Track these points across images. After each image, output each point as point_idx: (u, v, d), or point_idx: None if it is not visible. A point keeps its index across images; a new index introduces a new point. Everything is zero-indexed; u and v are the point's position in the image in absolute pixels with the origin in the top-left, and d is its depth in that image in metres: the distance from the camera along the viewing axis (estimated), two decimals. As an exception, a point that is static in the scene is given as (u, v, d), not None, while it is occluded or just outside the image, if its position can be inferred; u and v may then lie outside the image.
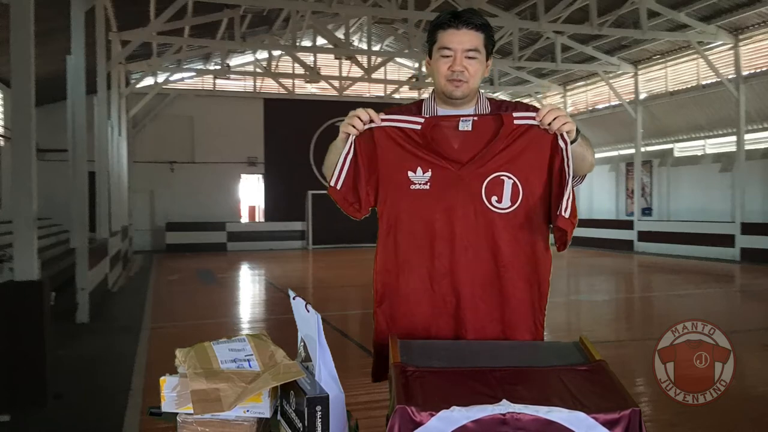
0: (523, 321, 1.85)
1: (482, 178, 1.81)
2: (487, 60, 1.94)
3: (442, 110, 1.96)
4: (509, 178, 1.81)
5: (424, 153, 1.83)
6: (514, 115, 1.82)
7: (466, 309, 1.82)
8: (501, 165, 1.81)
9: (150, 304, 9.71)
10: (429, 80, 2.28)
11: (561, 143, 1.80)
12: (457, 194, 1.82)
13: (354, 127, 1.84)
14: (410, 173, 1.84)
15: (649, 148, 19.15)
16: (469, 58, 1.89)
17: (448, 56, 1.89)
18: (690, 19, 14.88)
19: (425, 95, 2.11)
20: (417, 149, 1.84)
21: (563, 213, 1.77)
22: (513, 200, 1.81)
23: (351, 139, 1.85)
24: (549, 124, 1.79)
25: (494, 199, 1.81)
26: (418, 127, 1.84)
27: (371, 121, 1.85)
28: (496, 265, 1.83)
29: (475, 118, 1.82)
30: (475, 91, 1.95)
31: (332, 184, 1.86)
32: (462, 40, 1.88)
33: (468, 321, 1.82)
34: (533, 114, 1.82)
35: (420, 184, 1.84)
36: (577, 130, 1.84)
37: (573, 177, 1.98)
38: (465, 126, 1.81)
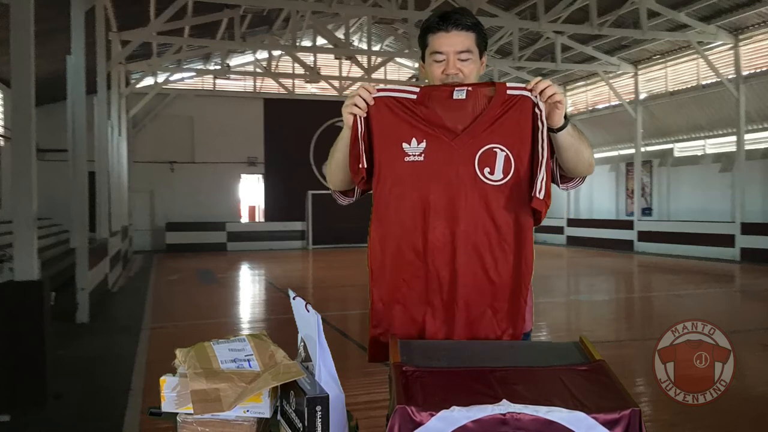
0: (511, 291, 1.83)
1: (476, 149, 1.80)
2: (480, 57, 1.93)
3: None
4: (502, 150, 1.80)
5: (420, 122, 1.82)
6: (508, 84, 1.82)
7: (458, 282, 1.81)
8: (494, 137, 1.80)
9: (150, 304, 9.71)
10: (427, 81, 2.28)
11: (536, 110, 1.79)
12: (451, 165, 1.81)
13: (358, 107, 1.82)
14: (405, 145, 1.82)
15: (649, 148, 19.15)
16: (462, 60, 1.88)
17: (440, 60, 1.89)
18: (690, 19, 14.88)
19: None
20: (412, 119, 1.82)
21: (537, 194, 1.78)
22: (505, 172, 1.80)
23: (360, 120, 1.83)
24: (541, 92, 1.78)
25: (487, 170, 1.80)
26: (414, 96, 1.83)
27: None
28: (488, 237, 1.81)
29: (469, 88, 1.81)
30: None
31: (361, 166, 1.83)
32: (453, 42, 1.87)
33: (459, 294, 1.81)
34: (524, 85, 1.82)
35: (414, 155, 1.82)
36: (567, 118, 1.82)
37: (573, 179, 1.97)
38: (459, 95, 1.80)
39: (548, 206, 1.79)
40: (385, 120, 1.83)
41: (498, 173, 1.80)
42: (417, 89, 1.84)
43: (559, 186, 2.02)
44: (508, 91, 1.81)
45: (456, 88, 1.81)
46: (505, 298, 1.83)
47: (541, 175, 1.77)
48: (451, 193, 1.81)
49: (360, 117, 1.83)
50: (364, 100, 1.82)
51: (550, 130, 1.81)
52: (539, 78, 1.81)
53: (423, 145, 1.81)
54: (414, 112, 1.82)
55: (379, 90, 1.85)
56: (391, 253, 1.86)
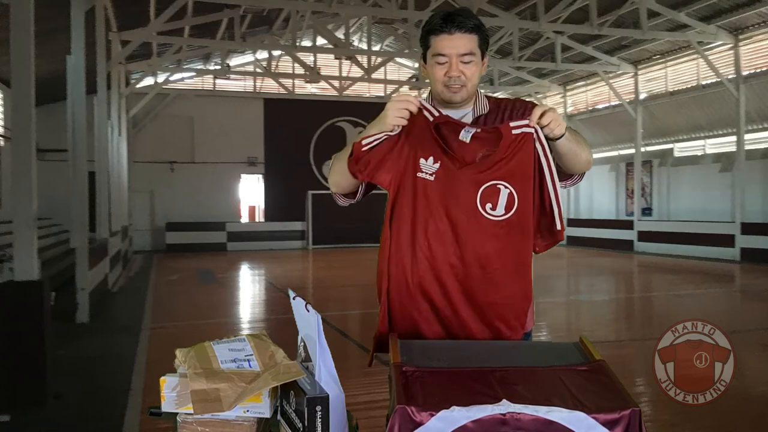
0: (507, 322, 1.83)
1: (479, 184, 1.80)
2: (482, 59, 1.92)
3: (441, 110, 1.95)
4: (506, 187, 1.80)
5: (438, 143, 1.82)
6: (511, 125, 1.80)
7: (446, 309, 1.82)
8: (498, 174, 1.80)
9: (150, 304, 9.71)
10: (428, 80, 2.28)
11: (538, 146, 1.79)
12: (455, 194, 1.81)
13: (402, 117, 1.81)
14: (422, 160, 1.83)
15: (649, 148, 19.15)
16: (465, 62, 1.87)
17: (443, 63, 1.88)
18: (690, 19, 14.88)
19: (425, 95, 2.11)
20: (433, 136, 1.83)
21: (558, 227, 1.82)
22: (507, 209, 1.80)
23: (399, 129, 1.83)
24: (546, 125, 1.77)
25: (489, 206, 1.80)
26: (431, 118, 1.84)
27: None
28: (483, 270, 1.81)
29: (478, 130, 1.81)
30: (473, 92, 1.94)
31: (364, 144, 1.82)
32: (456, 45, 1.86)
33: (454, 315, 1.82)
34: (527, 121, 1.80)
35: (427, 174, 1.82)
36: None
37: (571, 176, 1.98)
38: (465, 136, 1.80)
39: (564, 228, 1.84)
40: (411, 129, 1.84)
41: (500, 209, 1.80)
42: (436, 113, 1.85)
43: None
44: (513, 131, 1.79)
45: (464, 129, 1.80)
46: (499, 326, 1.82)
47: (558, 207, 1.80)
48: (450, 221, 1.81)
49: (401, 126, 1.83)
50: (410, 111, 1.81)
51: (549, 139, 1.81)
52: (542, 109, 1.79)
53: (437, 165, 1.82)
54: (434, 131, 1.83)
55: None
56: (389, 262, 1.86)
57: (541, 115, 1.77)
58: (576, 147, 1.87)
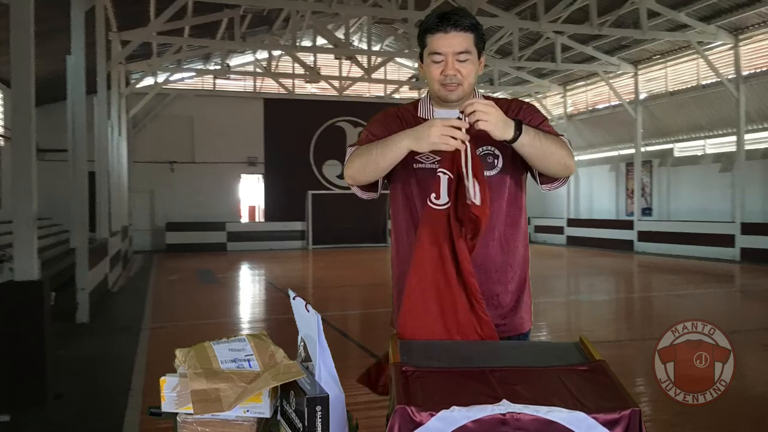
0: (467, 315, 1.80)
1: (434, 174, 1.82)
2: (479, 58, 1.92)
3: (438, 110, 1.96)
4: (444, 173, 1.78)
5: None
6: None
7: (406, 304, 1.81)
8: (441, 162, 1.80)
9: (150, 304, 9.71)
10: (427, 80, 2.29)
11: None
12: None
13: (448, 145, 1.74)
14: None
15: (649, 148, 19.14)
16: (461, 61, 1.87)
17: (439, 61, 1.88)
18: (690, 19, 14.88)
19: (424, 94, 2.11)
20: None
21: (473, 200, 1.72)
22: (449, 196, 1.78)
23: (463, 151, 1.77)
24: (469, 114, 1.72)
25: (433, 195, 1.79)
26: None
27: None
28: (441, 259, 1.77)
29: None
30: (470, 91, 1.94)
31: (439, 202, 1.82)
32: (452, 43, 1.86)
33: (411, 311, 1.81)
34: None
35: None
36: (519, 128, 1.75)
37: (555, 179, 1.95)
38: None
39: (487, 215, 1.75)
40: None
41: (443, 197, 1.78)
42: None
43: (540, 187, 2.01)
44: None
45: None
46: (461, 320, 1.79)
47: (471, 182, 1.72)
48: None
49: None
50: (454, 138, 1.73)
51: (506, 142, 1.78)
52: (474, 101, 1.72)
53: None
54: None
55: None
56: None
57: (467, 106, 1.72)
58: (540, 152, 1.82)
